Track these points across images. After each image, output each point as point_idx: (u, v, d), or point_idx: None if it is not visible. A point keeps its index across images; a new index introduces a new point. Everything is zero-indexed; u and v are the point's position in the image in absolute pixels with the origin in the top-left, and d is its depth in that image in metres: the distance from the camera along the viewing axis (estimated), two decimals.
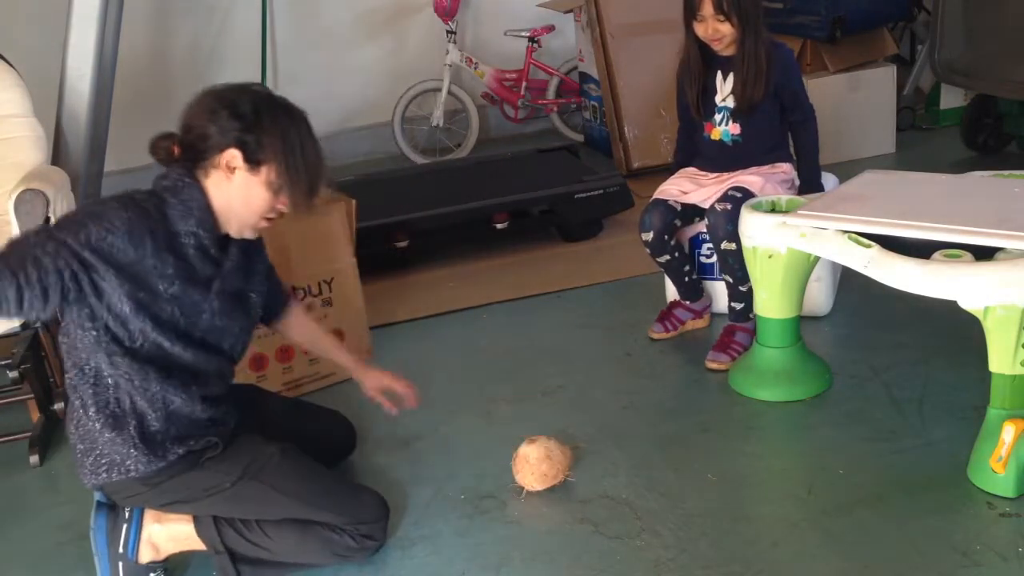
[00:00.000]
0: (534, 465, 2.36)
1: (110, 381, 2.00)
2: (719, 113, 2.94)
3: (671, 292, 3.17)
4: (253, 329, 2.25)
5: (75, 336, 1.98)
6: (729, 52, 2.86)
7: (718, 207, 2.80)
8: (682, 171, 3.07)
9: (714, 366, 2.87)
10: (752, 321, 2.86)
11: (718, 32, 2.80)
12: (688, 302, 3.11)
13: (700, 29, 2.83)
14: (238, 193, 2.01)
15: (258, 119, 1.98)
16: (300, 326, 2.50)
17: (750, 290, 2.78)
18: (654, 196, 2.99)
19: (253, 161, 1.98)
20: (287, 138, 1.99)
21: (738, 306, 2.91)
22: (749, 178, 2.88)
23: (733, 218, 2.73)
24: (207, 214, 2.01)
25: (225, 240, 2.09)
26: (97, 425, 2.01)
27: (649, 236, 2.93)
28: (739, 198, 2.77)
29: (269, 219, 2.08)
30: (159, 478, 2.04)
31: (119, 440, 2.01)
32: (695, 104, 2.96)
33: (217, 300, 2.06)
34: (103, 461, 2.03)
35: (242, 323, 2.16)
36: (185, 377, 2.04)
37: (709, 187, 2.93)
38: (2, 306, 1.82)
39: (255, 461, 2.11)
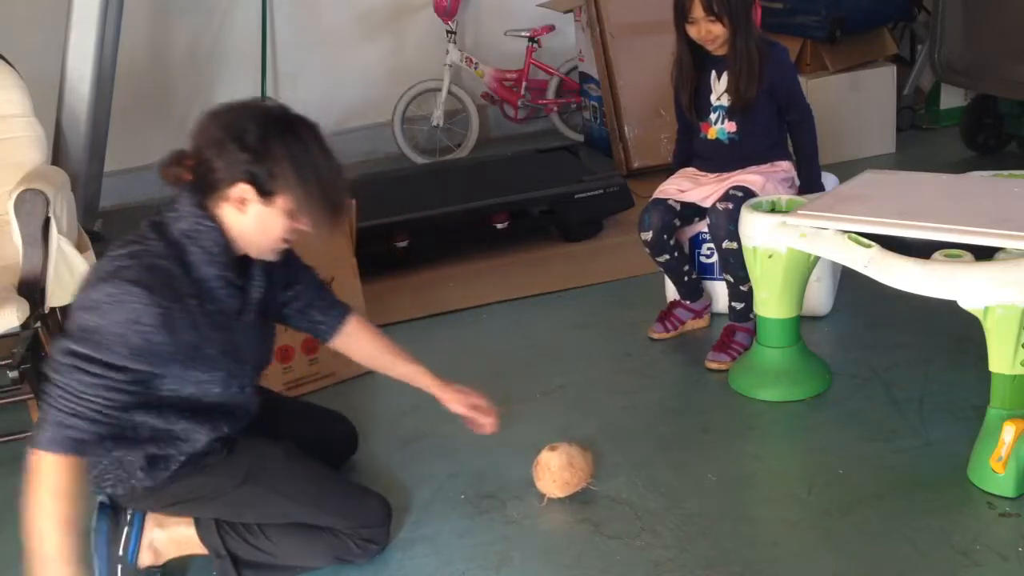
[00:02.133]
0: (556, 473, 2.34)
1: (134, 418, 1.95)
2: (715, 112, 2.95)
3: (671, 292, 3.17)
4: (274, 338, 2.24)
5: None
6: (722, 52, 2.87)
7: (720, 206, 2.80)
8: (682, 171, 3.08)
9: (714, 366, 2.87)
10: (752, 321, 2.86)
11: (711, 33, 2.81)
12: (688, 302, 3.11)
13: (693, 31, 2.84)
14: (254, 224, 1.93)
15: (267, 148, 1.87)
16: (359, 341, 2.35)
17: (751, 290, 2.78)
18: (653, 196, 3.00)
19: (266, 193, 1.90)
20: (299, 164, 1.88)
21: (738, 306, 2.91)
22: (750, 177, 2.88)
23: (735, 217, 2.73)
24: (228, 252, 1.95)
25: (245, 262, 2.03)
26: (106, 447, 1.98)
27: (648, 236, 2.93)
28: (741, 197, 2.78)
29: (288, 241, 2.01)
30: (162, 485, 2.05)
31: (125, 463, 2.01)
32: (688, 106, 2.97)
33: (250, 330, 2.06)
34: (108, 477, 2.03)
35: (268, 339, 2.18)
36: (211, 412, 2.02)
37: (709, 186, 2.93)
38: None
39: (257, 464, 2.11)
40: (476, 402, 2.35)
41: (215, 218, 1.92)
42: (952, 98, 4.89)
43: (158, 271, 1.85)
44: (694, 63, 2.92)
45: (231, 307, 2.00)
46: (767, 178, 2.89)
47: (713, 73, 2.93)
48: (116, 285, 1.81)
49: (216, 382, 2.00)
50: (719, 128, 2.95)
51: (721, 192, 2.85)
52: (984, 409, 2.28)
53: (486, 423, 2.35)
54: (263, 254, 2.02)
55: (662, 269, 3.06)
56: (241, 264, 2.01)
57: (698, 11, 2.78)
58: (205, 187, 1.91)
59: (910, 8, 4.79)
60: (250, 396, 2.13)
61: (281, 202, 1.91)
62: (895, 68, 4.64)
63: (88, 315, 1.81)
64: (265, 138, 1.87)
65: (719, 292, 3.09)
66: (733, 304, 2.93)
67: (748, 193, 2.80)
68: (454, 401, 2.35)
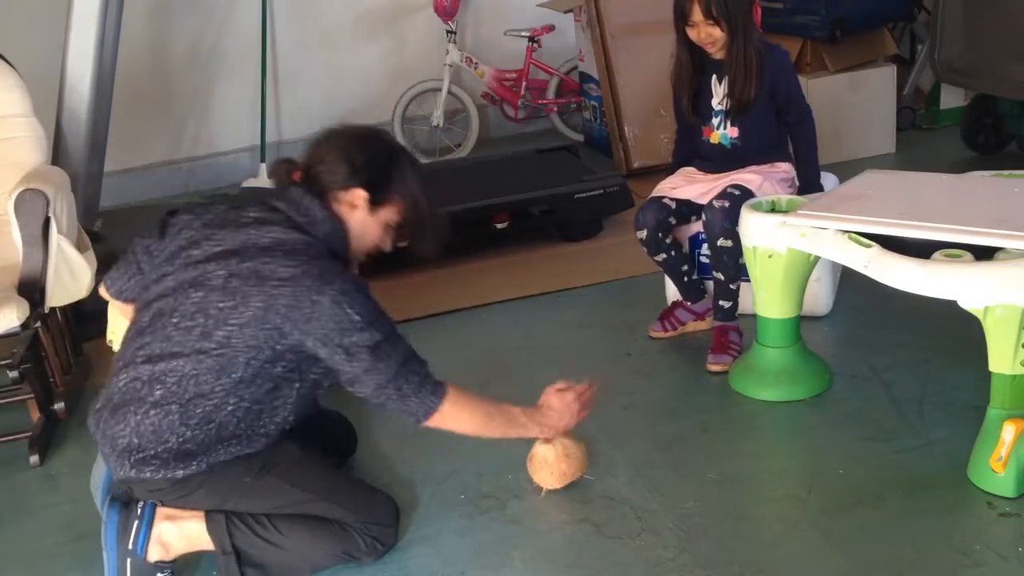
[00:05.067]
0: (553, 464, 2.35)
1: (239, 404, 2.06)
2: (716, 116, 2.95)
3: (671, 292, 3.17)
4: None
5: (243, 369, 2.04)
6: (722, 55, 2.87)
7: (716, 204, 2.80)
8: (680, 170, 3.08)
9: (717, 368, 2.86)
10: (737, 319, 2.89)
11: (710, 36, 2.81)
12: (689, 303, 3.10)
13: (693, 34, 2.84)
14: (356, 226, 2.23)
15: (388, 165, 2.23)
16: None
17: (739, 288, 2.79)
18: (651, 195, 3.00)
19: (376, 203, 2.21)
20: (409, 188, 2.24)
21: (726, 304, 2.91)
22: (747, 176, 2.88)
23: (731, 215, 2.74)
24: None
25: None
26: (177, 435, 2.03)
27: (643, 234, 2.93)
28: (737, 196, 2.78)
29: (370, 255, 2.32)
30: (188, 479, 2.07)
31: (184, 455, 2.04)
32: (687, 109, 2.97)
33: None
34: (154, 462, 2.04)
35: None
36: (300, 403, 2.17)
37: (705, 184, 2.93)
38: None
39: (272, 458, 2.14)
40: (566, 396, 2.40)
41: (339, 216, 2.19)
42: (952, 98, 4.89)
43: (346, 273, 2.13)
44: (695, 66, 2.92)
45: None
46: (765, 177, 2.89)
47: (714, 77, 2.93)
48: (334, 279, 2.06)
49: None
50: (722, 133, 2.95)
51: (718, 190, 2.86)
52: (984, 409, 2.28)
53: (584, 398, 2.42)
54: (359, 254, 2.30)
55: (661, 268, 3.07)
56: None
57: (697, 14, 2.79)
58: (319, 185, 2.19)
59: (910, 8, 4.79)
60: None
61: (383, 214, 2.24)
62: (895, 68, 4.64)
63: (351, 310, 2.04)
64: (390, 158, 2.25)
65: None
66: (721, 303, 2.92)
67: (745, 192, 2.81)
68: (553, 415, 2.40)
